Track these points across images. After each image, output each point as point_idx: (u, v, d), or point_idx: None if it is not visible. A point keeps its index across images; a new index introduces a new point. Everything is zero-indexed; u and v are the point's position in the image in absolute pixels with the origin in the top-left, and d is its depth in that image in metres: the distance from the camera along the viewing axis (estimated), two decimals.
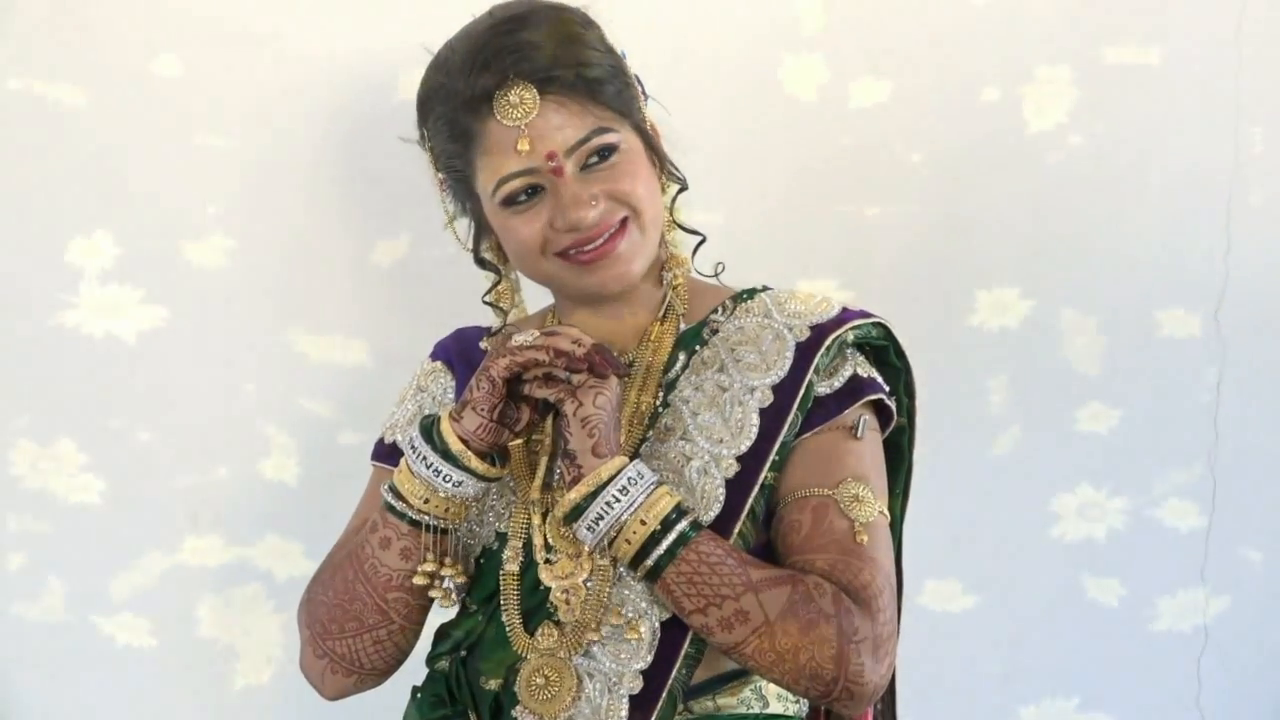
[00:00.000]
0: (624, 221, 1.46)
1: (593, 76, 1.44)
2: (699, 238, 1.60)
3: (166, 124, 1.97)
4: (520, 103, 1.42)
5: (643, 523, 1.35)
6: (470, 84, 1.43)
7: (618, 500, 1.35)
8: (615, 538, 1.36)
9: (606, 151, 1.45)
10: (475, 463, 1.40)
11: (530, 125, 1.42)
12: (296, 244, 2.01)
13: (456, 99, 1.45)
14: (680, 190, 1.58)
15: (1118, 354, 2.07)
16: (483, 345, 1.62)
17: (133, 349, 2.00)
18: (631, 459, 1.40)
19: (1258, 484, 2.10)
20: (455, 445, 1.39)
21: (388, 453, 1.60)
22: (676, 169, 1.56)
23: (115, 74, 1.95)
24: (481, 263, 1.59)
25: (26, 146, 1.96)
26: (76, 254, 1.98)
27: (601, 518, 1.36)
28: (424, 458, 1.41)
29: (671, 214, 1.56)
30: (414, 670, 1.57)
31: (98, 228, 1.98)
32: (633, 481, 1.36)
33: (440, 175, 1.54)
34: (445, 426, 1.40)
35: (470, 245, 1.59)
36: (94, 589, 2.04)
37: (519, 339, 1.40)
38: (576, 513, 1.37)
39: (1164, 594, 2.13)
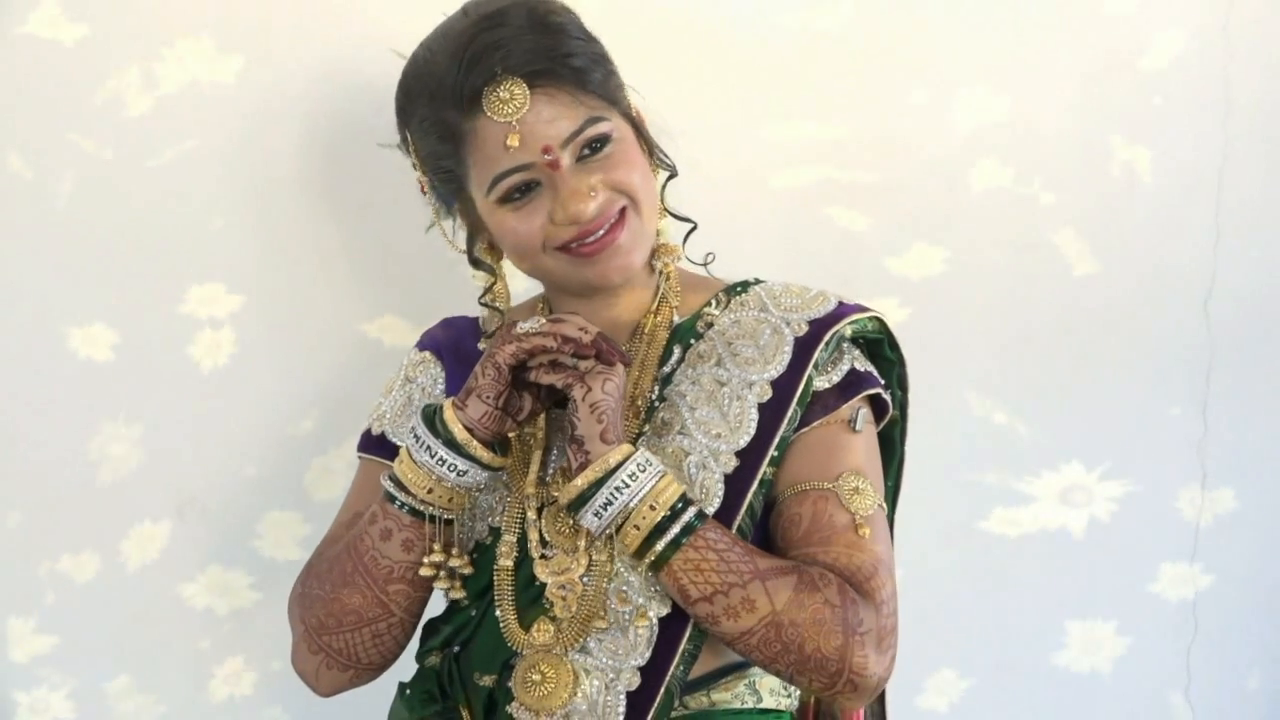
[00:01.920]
0: (623, 211, 1.45)
1: (579, 65, 1.42)
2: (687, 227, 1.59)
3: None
4: (511, 98, 1.40)
5: (652, 508, 1.34)
6: (457, 83, 1.41)
7: (626, 486, 1.34)
8: (623, 524, 1.35)
9: (600, 142, 1.44)
10: (481, 452, 1.38)
11: (522, 120, 1.40)
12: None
13: (443, 99, 1.43)
14: (670, 177, 1.56)
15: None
16: (481, 346, 1.59)
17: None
18: None
19: (1248, 476, 2.12)
20: (461, 434, 1.37)
21: (375, 444, 1.58)
22: (666, 155, 1.55)
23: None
24: (476, 263, 1.56)
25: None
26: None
27: (610, 503, 1.34)
28: (428, 447, 1.39)
29: (663, 201, 1.55)
30: (397, 667, 1.54)
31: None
32: (641, 468, 1.35)
33: (425, 178, 1.52)
34: (449, 415, 1.38)
35: (463, 246, 1.56)
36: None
37: (524, 326, 1.38)
38: (582, 500, 1.35)
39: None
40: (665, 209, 1.56)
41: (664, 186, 1.55)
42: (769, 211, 2.01)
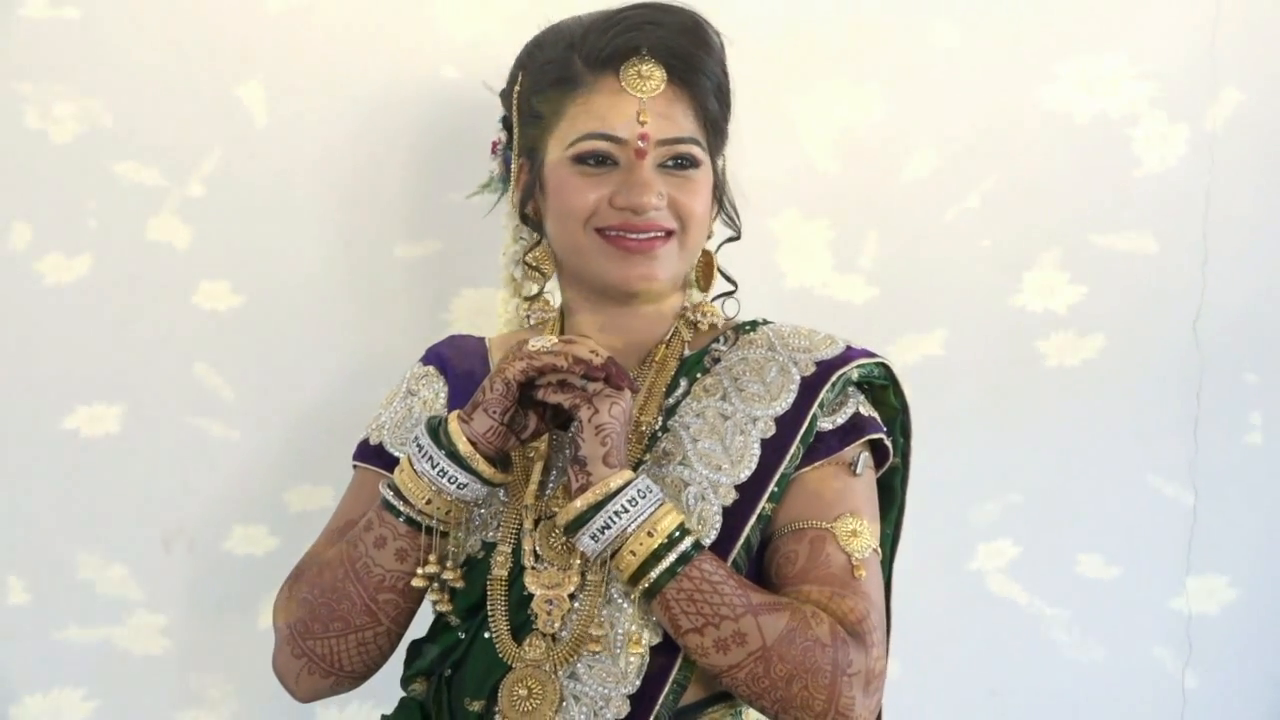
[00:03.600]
0: (671, 234, 1.48)
1: (710, 88, 1.49)
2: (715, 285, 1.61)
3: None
4: (649, 77, 1.46)
5: (649, 535, 1.34)
6: (605, 39, 1.46)
7: (625, 511, 1.34)
8: (619, 549, 1.35)
9: (686, 162, 1.48)
10: (483, 466, 1.38)
11: (648, 102, 1.45)
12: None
13: (581, 48, 1.47)
14: (730, 239, 1.61)
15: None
16: (493, 347, 1.61)
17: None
18: None
19: (1238, 498, 2.12)
20: (464, 447, 1.38)
21: (373, 454, 1.58)
22: (737, 216, 1.60)
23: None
24: (525, 219, 1.59)
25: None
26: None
27: (608, 527, 1.34)
28: (430, 457, 1.39)
29: (714, 259, 1.58)
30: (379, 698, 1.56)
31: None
32: (642, 494, 1.35)
33: (513, 125, 1.55)
34: (454, 427, 1.39)
35: (517, 199, 1.57)
36: None
37: (535, 344, 1.39)
38: (580, 521, 1.35)
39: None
40: (718, 266, 1.59)
41: (720, 245, 1.60)
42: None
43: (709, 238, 1.56)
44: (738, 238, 1.61)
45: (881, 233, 2.04)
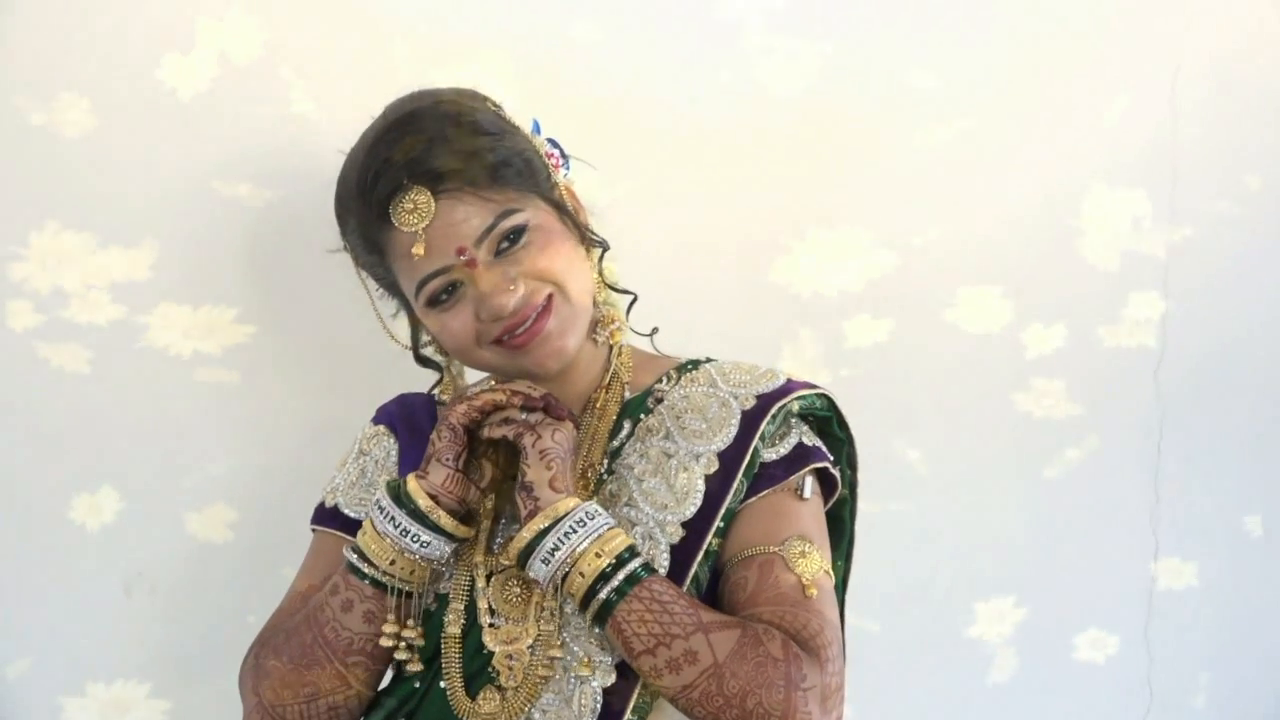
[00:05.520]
0: (550, 298, 1.45)
1: (488, 163, 1.42)
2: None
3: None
4: (415, 208, 1.41)
5: (598, 555, 1.35)
6: (367, 198, 1.43)
7: (574, 532, 1.35)
8: (569, 571, 1.35)
9: (516, 234, 1.43)
10: (445, 520, 1.40)
11: (430, 227, 1.40)
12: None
13: (361, 213, 1.45)
14: (604, 251, 1.57)
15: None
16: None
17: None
18: None
19: (1200, 543, 2.12)
20: (425, 503, 1.39)
21: (329, 516, 1.58)
22: (594, 234, 1.55)
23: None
24: (423, 361, 1.59)
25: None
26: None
27: (558, 549, 1.35)
28: (391, 518, 1.40)
29: (601, 275, 1.56)
30: None
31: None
32: (590, 516, 1.37)
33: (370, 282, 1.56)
34: (413, 486, 1.40)
35: (408, 344, 1.59)
36: None
37: (474, 390, 1.42)
38: (530, 548, 1.36)
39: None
40: (605, 283, 1.57)
41: (600, 260, 1.56)
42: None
43: (589, 251, 1.52)
44: (607, 248, 1.57)
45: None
